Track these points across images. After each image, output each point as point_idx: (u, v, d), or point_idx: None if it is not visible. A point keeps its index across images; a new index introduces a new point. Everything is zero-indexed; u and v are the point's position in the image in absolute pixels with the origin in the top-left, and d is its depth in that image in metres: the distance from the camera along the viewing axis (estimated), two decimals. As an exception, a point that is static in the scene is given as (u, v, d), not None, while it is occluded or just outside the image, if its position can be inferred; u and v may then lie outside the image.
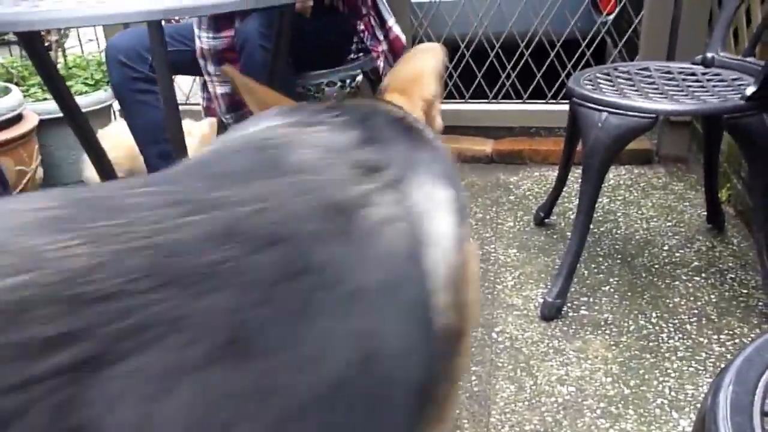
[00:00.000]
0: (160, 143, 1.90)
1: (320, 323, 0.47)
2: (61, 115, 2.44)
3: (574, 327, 1.73)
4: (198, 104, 2.97)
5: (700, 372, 1.55)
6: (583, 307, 1.81)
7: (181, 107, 2.99)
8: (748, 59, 1.80)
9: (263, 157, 0.55)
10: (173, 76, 2.17)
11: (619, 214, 2.33)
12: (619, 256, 2.06)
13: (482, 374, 1.57)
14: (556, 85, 2.79)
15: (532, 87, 2.85)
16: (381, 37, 2.25)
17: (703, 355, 1.61)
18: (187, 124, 2.41)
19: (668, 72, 1.87)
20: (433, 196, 0.62)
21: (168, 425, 0.39)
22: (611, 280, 1.93)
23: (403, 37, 2.33)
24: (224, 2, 0.87)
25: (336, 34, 2.16)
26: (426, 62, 0.86)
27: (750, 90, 1.55)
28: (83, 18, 0.83)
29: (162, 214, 0.45)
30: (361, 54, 2.24)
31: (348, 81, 2.13)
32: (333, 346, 0.47)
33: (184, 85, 3.04)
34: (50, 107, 2.49)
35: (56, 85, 1.06)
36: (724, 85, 1.72)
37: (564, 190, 2.21)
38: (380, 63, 2.28)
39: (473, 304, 0.66)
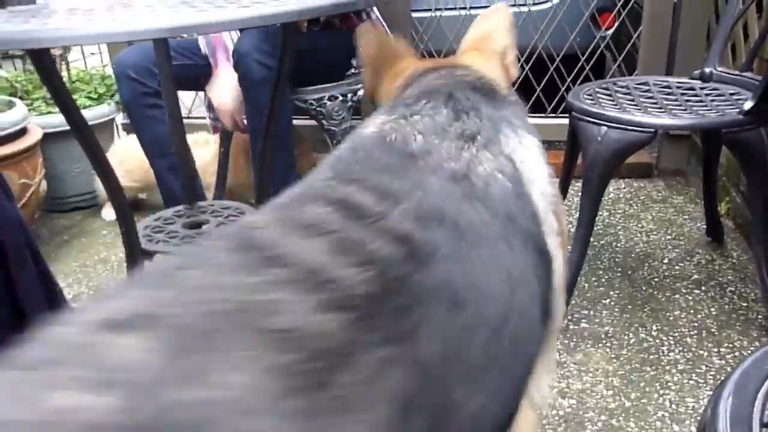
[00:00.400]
0: (170, 156, 1.92)
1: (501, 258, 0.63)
2: (64, 128, 2.49)
3: (575, 340, 1.74)
4: (200, 118, 3.01)
5: (701, 384, 1.55)
6: (583, 320, 1.82)
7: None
8: (746, 74, 1.82)
9: (393, 150, 0.67)
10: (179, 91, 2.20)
11: (619, 228, 2.34)
12: (620, 269, 2.07)
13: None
14: (556, 99, 2.81)
15: (532, 101, 2.87)
16: None
17: (703, 367, 1.61)
18: (203, 135, 2.43)
19: (667, 86, 1.89)
20: (522, 144, 0.75)
21: None
22: (612, 293, 1.94)
23: None
24: (231, 19, 0.88)
25: (335, 50, 2.18)
26: (494, 21, 1.02)
27: (748, 104, 1.57)
28: (92, 36, 0.84)
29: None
30: (362, 69, 2.26)
31: (349, 95, 2.15)
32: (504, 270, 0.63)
33: (186, 100, 3.07)
34: (54, 121, 2.51)
35: (63, 98, 1.08)
36: (722, 100, 1.74)
37: (564, 203, 2.22)
38: None
39: (566, 230, 0.81)
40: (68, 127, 2.44)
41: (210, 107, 2.22)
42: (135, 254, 1.24)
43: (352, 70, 2.26)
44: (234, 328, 0.41)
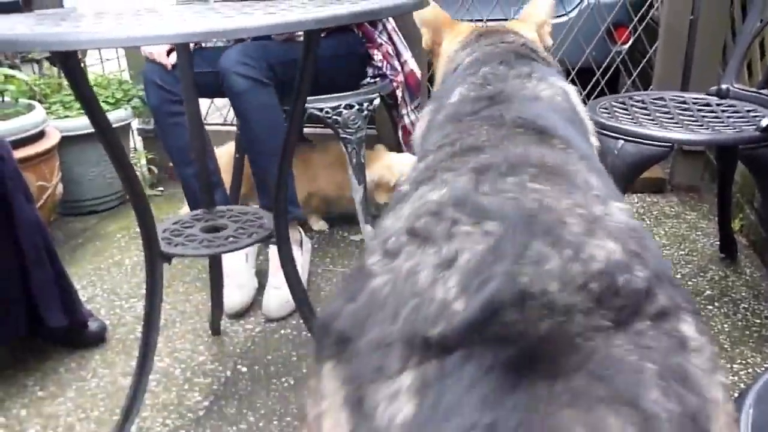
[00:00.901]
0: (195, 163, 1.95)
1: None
2: (81, 132, 2.52)
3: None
4: (216, 124, 3.03)
5: (714, 400, 1.55)
6: (595, 333, 1.82)
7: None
8: (763, 91, 1.82)
9: (490, 95, 0.95)
10: (201, 98, 2.22)
11: (631, 242, 2.34)
12: (632, 284, 2.06)
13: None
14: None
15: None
16: (399, 68, 2.30)
17: (717, 383, 1.61)
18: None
19: (683, 102, 1.89)
20: (562, 81, 1.05)
21: None
22: (624, 306, 1.94)
23: (418, 72, 2.37)
24: (257, 26, 0.90)
25: (351, 57, 2.19)
26: (540, 3, 1.37)
27: (765, 121, 1.57)
28: (123, 39, 0.85)
29: None
30: (378, 79, 2.28)
31: (365, 104, 2.16)
32: None
33: (202, 107, 3.09)
34: (71, 124, 2.54)
35: (89, 102, 1.10)
36: (739, 117, 1.74)
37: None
38: (399, 93, 2.32)
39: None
40: (85, 131, 2.51)
41: None
42: (154, 257, 1.26)
43: (368, 79, 2.28)
44: None
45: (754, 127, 1.60)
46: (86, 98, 1.07)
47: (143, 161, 3.03)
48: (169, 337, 1.85)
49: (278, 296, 1.91)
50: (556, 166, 0.66)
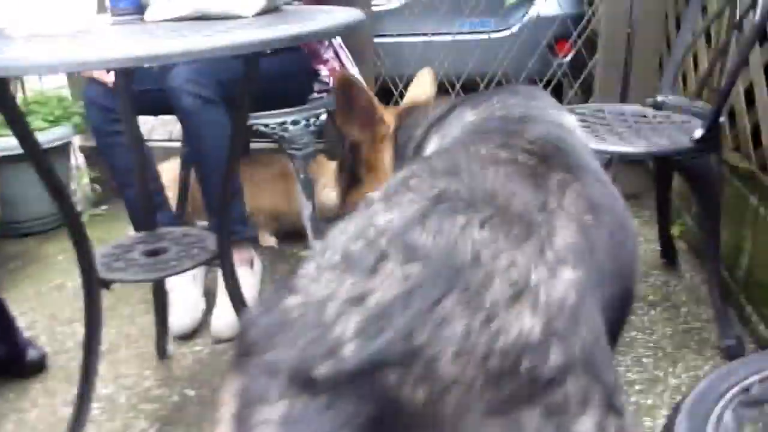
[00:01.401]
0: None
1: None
2: (17, 152, 2.43)
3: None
4: (161, 140, 2.98)
5: (657, 405, 1.59)
6: (543, 343, 1.84)
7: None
8: (696, 103, 1.89)
9: (509, 120, 0.91)
10: (151, 116, 2.18)
11: (577, 250, 2.38)
12: (578, 292, 2.10)
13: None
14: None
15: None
16: None
17: (660, 387, 1.65)
18: None
19: (622, 114, 1.94)
20: (569, 118, 0.99)
21: None
22: (570, 315, 1.97)
23: None
24: (196, 49, 0.89)
25: (297, 73, 2.18)
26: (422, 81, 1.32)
27: (698, 132, 1.62)
28: (53, 65, 0.83)
29: None
30: (324, 94, 2.27)
31: (312, 119, 2.16)
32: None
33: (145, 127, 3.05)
34: (7, 144, 2.45)
35: (17, 123, 1.07)
36: (674, 128, 1.80)
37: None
38: None
39: None
40: (21, 151, 2.43)
41: None
42: (92, 283, 1.22)
43: (314, 95, 2.27)
44: None
45: (688, 137, 1.65)
46: (16, 122, 1.04)
47: (86, 180, 2.96)
48: (113, 362, 1.81)
49: (227, 317, 1.88)
50: (520, 213, 0.61)
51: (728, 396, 0.73)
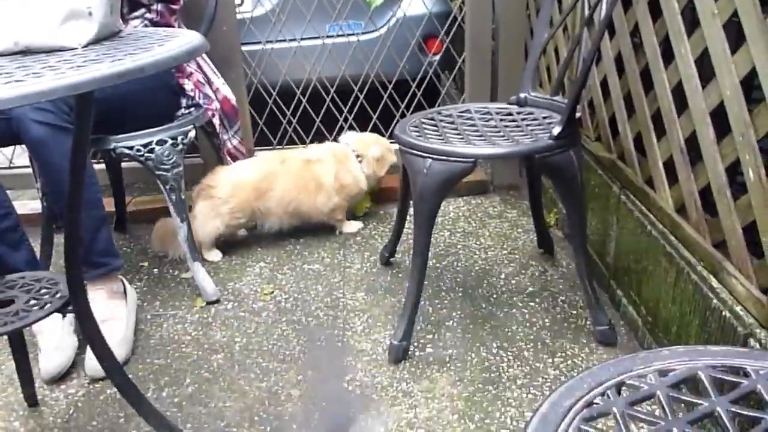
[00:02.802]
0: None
1: None
2: None
3: (421, 366, 1.78)
4: (25, 167, 2.79)
5: (538, 397, 1.64)
6: (428, 345, 1.86)
7: (4, 172, 2.79)
8: (555, 98, 1.95)
9: None
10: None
11: (459, 247, 2.43)
12: (461, 289, 2.14)
13: (335, 428, 1.57)
14: (393, 126, 2.87)
15: (369, 128, 2.92)
16: (212, 96, 2.23)
17: (540, 380, 1.70)
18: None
19: (487, 113, 1.98)
20: None
21: None
22: (454, 314, 2.01)
23: (232, 98, 2.32)
24: (35, 91, 0.82)
25: (161, 90, 2.10)
26: None
27: (556, 129, 1.67)
28: None
29: None
30: (192, 109, 2.20)
31: (180, 138, 2.07)
32: None
33: (7, 151, 2.87)
34: None
35: None
36: (537, 125, 1.85)
37: (407, 227, 2.27)
38: (216, 120, 2.25)
39: None
40: None
41: None
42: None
43: (182, 110, 2.19)
44: None
45: (548, 134, 1.70)
46: None
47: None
48: (-23, 415, 1.68)
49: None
50: None
51: (572, 413, 0.75)
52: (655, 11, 1.68)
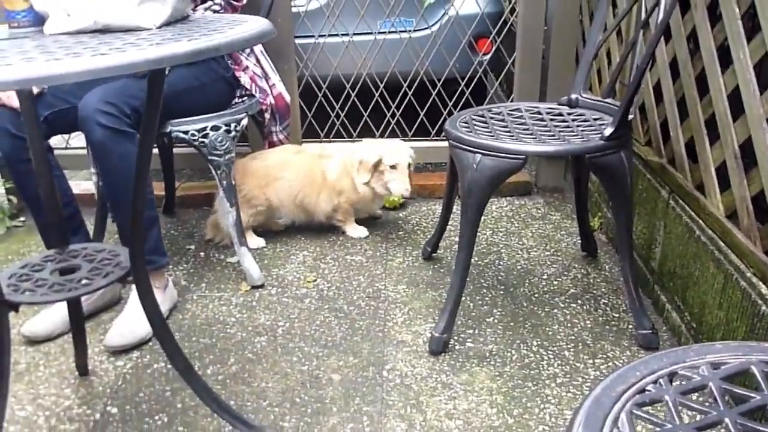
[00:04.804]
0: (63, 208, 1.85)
1: None
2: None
3: (460, 360, 1.79)
4: (80, 148, 2.88)
5: (578, 396, 1.64)
6: (468, 340, 1.88)
7: (60, 152, 2.89)
8: (607, 100, 1.95)
9: None
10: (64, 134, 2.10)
11: (501, 246, 2.44)
12: (502, 287, 2.15)
13: (373, 414, 1.59)
14: (439, 123, 2.90)
15: (416, 125, 2.95)
16: (267, 90, 2.28)
17: (580, 379, 1.70)
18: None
19: (538, 113, 1.99)
20: None
21: None
22: (495, 311, 2.02)
23: (287, 96, 2.36)
24: (91, 68, 0.86)
25: (216, 82, 2.14)
26: None
27: (608, 131, 1.68)
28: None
29: None
30: (245, 98, 2.25)
31: (233, 125, 2.13)
32: None
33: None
34: None
35: None
36: (587, 125, 1.85)
37: (450, 223, 2.29)
38: (267, 115, 2.30)
39: None
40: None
41: None
42: (-2, 306, 1.18)
43: (236, 100, 2.24)
44: None
45: (600, 135, 1.70)
46: None
47: (1, 190, 2.84)
48: (32, 382, 1.74)
49: (120, 326, 1.86)
50: None
51: (624, 398, 0.76)
52: (713, 16, 1.68)
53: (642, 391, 0.78)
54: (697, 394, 0.79)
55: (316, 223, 2.55)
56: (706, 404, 0.76)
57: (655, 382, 0.79)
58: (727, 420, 0.72)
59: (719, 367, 0.81)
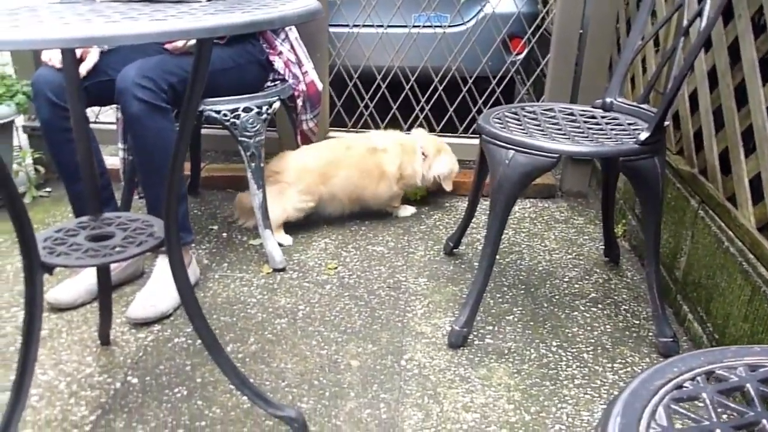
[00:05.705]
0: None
1: None
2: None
3: (479, 355, 1.79)
4: (111, 123, 2.90)
5: (595, 399, 1.63)
6: (488, 336, 1.88)
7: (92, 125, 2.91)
8: (642, 105, 1.94)
9: None
10: (102, 107, 2.13)
11: (523, 246, 2.43)
12: (523, 287, 2.15)
13: (390, 401, 1.60)
14: (468, 120, 2.89)
15: (444, 120, 2.95)
16: (300, 77, 2.29)
17: (598, 382, 1.70)
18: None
19: (571, 114, 1.98)
20: None
21: None
22: (515, 309, 2.02)
23: (319, 84, 2.36)
24: (144, 32, 0.87)
25: (251, 65, 2.15)
26: None
27: (644, 135, 1.67)
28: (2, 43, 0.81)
29: None
30: (278, 82, 2.26)
31: (264, 107, 2.14)
32: None
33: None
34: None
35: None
36: (621, 129, 1.84)
37: (473, 221, 2.29)
38: (299, 101, 2.31)
39: None
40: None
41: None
42: (33, 267, 1.19)
43: (268, 83, 2.25)
44: None
45: (634, 140, 1.70)
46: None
47: (29, 160, 2.87)
48: (54, 348, 1.77)
49: (143, 299, 1.88)
50: None
51: (662, 392, 0.76)
52: (756, 27, 1.66)
53: (679, 387, 0.78)
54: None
55: (369, 210, 2.66)
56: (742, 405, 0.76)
57: (692, 379, 0.79)
58: (765, 422, 0.72)
59: (757, 369, 0.81)
